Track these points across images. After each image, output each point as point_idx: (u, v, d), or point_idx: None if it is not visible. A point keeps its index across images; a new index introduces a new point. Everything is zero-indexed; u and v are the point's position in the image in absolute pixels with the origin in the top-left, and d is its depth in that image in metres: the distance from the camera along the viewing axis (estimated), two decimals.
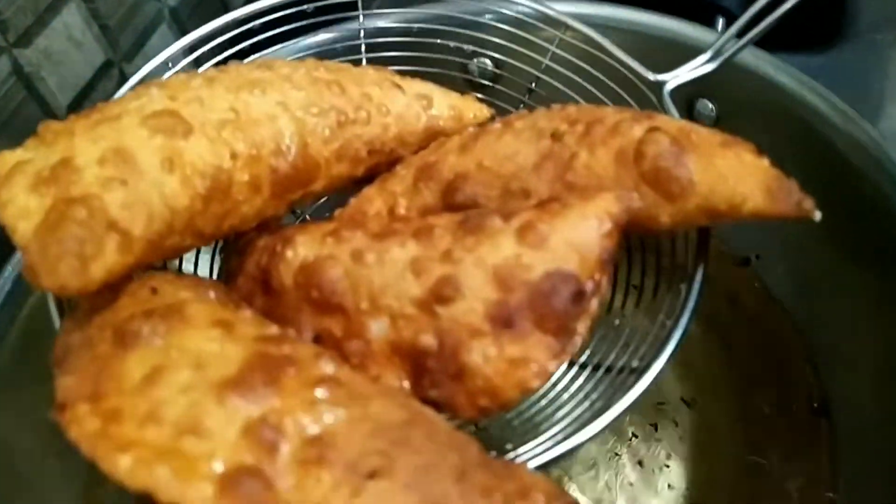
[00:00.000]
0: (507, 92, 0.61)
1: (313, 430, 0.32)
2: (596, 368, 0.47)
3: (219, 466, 0.30)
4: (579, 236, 0.41)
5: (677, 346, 0.43)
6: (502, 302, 0.40)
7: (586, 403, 0.44)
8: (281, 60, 0.52)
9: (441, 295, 0.41)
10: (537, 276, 0.40)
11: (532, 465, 0.40)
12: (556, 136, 0.48)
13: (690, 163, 0.44)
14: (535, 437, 0.42)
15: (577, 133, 0.48)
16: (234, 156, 0.45)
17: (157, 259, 0.42)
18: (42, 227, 0.37)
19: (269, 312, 0.46)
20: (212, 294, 0.41)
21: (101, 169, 0.40)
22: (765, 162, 0.44)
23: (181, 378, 0.33)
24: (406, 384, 0.42)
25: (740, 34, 0.53)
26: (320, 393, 0.33)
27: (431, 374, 0.41)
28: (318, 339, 0.44)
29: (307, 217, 0.60)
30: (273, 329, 0.37)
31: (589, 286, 0.41)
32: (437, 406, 0.41)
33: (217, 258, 0.56)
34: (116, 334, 0.35)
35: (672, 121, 0.47)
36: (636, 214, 0.44)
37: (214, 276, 0.55)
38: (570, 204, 0.42)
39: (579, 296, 0.41)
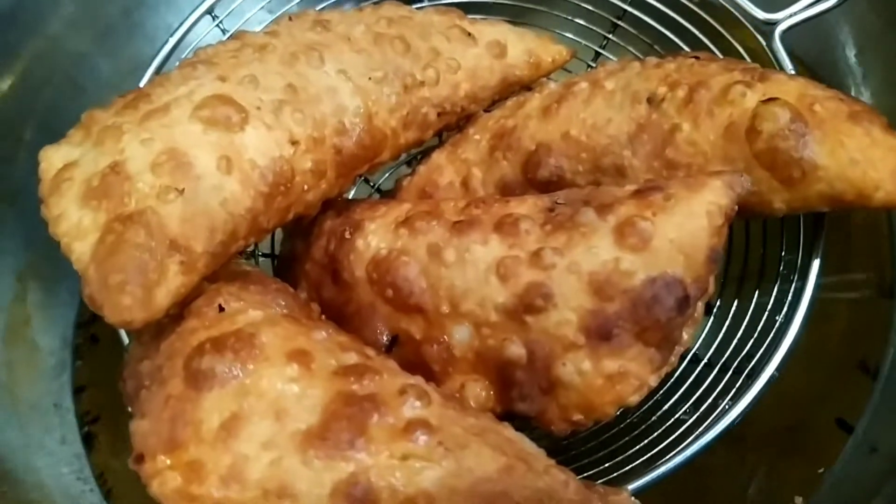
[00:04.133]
0: (589, 27, 0.54)
1: (408, 490, 0.29)
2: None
3: None
4: (686, 235, 0.37)
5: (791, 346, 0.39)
6: (599, 312, 0.37)
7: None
8: (338, 14, 0.46)
9: (531, 304, 0.37)
10: (639, 282, 0.36)
11: (632, 486, 0.38)
12: (653, 102, 0.42)
13: (814, 143, 0.38)
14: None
15: (678, 99, 0.42)
16: (294, 141, 0.40)
17: (221, 265, 0.39)
18: (99, 250, 0.34)
19: (340, 305, 0.43)
20: (281, 304, 0.38)
21: (156, 176, 0.36)
22: None
23: (262, 430, 0.31)
24: (491, 394, 0.39)
25: None
26: (412, 445, 0.30)
27: (520, 387, 0.38)
28: (396, 341, 0.41)
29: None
30: (352, 356, 0.34)
31: (694, 290, 0.37)
32: (526, 419, 0.39)
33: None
34: (188, 372, 0.33)
35: (789, 82, 0.41)
36: (745, 199, 0.39)
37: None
38: (675, 195, 0.37)
39: (684, 302, 0.37)
